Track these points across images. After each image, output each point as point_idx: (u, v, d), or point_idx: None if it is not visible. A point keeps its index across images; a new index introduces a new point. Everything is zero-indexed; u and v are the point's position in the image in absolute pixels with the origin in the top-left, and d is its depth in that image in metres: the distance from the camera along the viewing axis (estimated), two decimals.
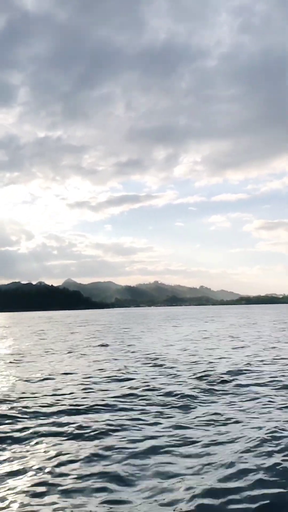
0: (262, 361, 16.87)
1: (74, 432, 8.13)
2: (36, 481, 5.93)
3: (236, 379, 13.03)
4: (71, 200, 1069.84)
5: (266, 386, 11.99)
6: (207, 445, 7.30)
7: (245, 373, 13.97)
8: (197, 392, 11.33)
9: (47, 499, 5.45)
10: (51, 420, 9.04)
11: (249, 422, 8.55)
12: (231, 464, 6.40)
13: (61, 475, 6.15)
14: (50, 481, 5.94)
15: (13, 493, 5.60)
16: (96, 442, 7.60)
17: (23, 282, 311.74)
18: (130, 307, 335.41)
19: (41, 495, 5.56)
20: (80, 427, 8.37)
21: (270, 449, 7.00)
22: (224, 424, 8.49)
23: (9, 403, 10.37)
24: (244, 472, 6.12)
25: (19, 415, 9.36)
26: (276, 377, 13.15)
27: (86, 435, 7.98)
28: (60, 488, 5.74)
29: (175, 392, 11.26)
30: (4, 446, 7.50)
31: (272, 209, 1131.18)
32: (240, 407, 9.77)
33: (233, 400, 10.47)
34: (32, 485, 5.81)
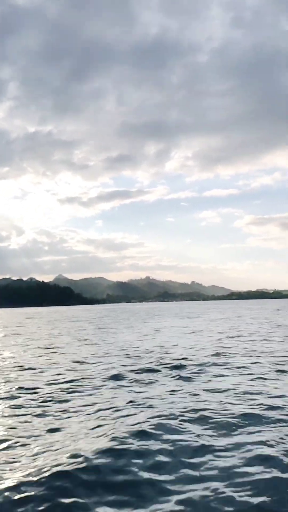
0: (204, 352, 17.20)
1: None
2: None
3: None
4: (62, 195, 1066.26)
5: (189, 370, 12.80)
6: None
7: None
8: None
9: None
10: None
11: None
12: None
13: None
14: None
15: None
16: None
17: (14, 278, 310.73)
18: (121, 303, 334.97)
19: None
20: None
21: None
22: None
23: None
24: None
25: None
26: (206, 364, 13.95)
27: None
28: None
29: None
30: None
31: (263, 205, 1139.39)
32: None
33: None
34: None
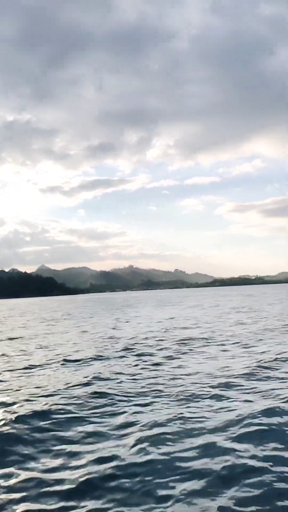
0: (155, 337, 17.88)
1: None
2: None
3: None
4: (43, 185, 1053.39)
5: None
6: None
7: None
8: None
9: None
10: None
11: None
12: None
13: None
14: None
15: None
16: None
17: None
18: (105, 292, 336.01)
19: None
20: None
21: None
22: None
23: None
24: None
25: None
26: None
27: None
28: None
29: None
30: None
31: (244, 192, 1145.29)
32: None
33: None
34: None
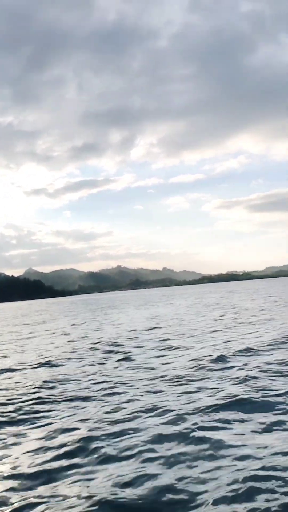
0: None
1: None
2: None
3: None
4: (28, 187, 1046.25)
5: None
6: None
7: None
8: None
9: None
10: None
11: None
12: None
13: None
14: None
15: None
16: None
17: None
18: (93, 293, 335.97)
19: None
20: None
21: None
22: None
23: None
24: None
25: None
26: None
27: None
28: None
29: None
30: None
31: (229, 188, 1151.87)
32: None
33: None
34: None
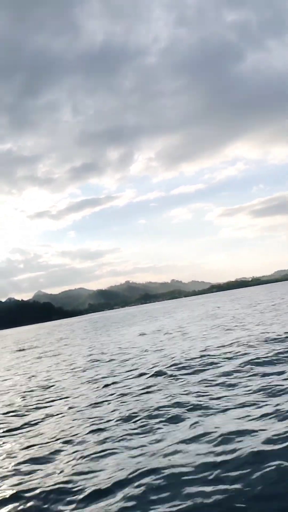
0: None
1: None
2: None
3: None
4: (31, 211, 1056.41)
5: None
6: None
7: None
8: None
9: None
10: None
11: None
12: None
13: None
14: None
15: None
16: None
17: None
18: (104, 311, 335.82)
19: None
20: None
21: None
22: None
23: None
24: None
25: None
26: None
27: None
28: None
29: None
30: None
31: (230, 196, 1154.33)
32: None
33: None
34: None
